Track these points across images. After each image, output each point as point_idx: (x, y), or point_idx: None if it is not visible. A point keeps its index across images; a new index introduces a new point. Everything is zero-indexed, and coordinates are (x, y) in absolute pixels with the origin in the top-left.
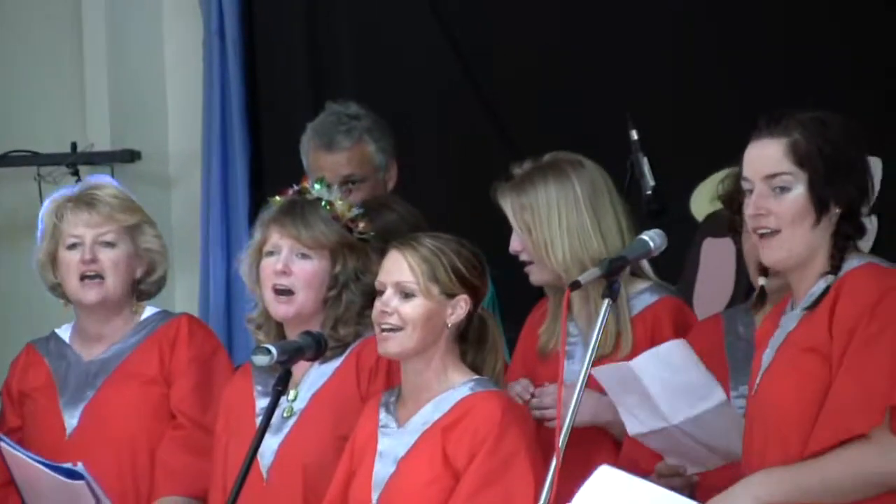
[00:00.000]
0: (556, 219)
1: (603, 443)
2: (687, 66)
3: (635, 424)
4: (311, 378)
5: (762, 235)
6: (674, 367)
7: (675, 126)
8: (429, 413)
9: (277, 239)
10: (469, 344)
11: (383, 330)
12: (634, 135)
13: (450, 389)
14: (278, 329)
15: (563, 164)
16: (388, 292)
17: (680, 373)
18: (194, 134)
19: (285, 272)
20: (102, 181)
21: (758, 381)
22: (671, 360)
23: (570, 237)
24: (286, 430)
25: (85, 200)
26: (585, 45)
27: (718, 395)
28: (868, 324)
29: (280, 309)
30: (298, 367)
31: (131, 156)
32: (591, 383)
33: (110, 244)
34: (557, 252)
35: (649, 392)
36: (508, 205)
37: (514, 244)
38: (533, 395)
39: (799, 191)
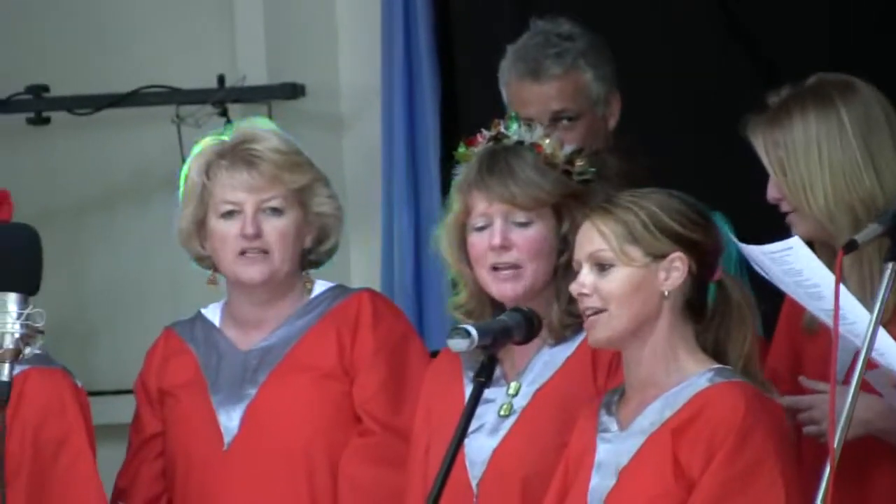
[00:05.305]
0: (816, 154)
1: (882, 456)
2: None
3: None
4: (537, 367)
5: None
6: None
7: None
8: (657, 412)
9: (485, 207)
10: (705, 320)
11: (588, 316)
12: None
13: (682, 382)
14: (495, 314)
15: (827, 89)
16: (584, 269)
17: None
18: (372, 63)
19: (505, 247)
20: (260, 129)
21: None
22: None
23: (832, 175)
24: (503, 432)
25: (243, 157)
26: None
27: None
28: None
29: (507, 288)
30: (522, 352)
31: (293, 91)
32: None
33: (277, 211)
34: (818, 195)
35: None
36: (760, 141)
37: (772, 190)
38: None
39: None
